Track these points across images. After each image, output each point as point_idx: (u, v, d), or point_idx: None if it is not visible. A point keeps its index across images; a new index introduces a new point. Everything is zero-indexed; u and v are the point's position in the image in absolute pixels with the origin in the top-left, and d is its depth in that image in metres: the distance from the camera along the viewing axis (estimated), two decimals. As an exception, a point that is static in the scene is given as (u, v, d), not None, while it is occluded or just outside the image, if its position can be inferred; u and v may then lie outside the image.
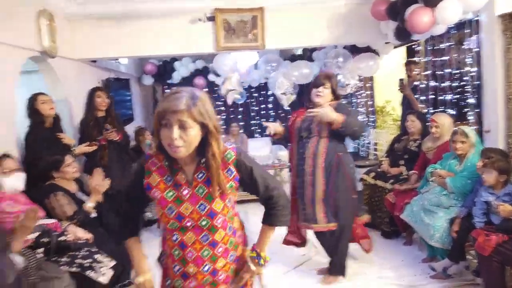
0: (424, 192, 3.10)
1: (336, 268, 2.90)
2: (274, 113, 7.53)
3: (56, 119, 3.24)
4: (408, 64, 4.39)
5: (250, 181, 1.43)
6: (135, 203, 1.48)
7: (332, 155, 2.75)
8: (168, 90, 7.11)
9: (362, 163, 5.32)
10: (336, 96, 2.85)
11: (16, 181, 2.36)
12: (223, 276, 1.46)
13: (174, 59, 6.81)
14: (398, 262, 3.18)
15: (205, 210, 1.38)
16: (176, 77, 6.89)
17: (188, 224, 1.39)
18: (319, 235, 2.93)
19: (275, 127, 2.92)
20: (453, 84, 3.74)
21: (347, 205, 2.79)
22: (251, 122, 7.65)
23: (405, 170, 3.72)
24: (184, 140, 1.26)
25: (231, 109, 7.49)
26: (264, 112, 7.61)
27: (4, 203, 2.25)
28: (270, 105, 7.64)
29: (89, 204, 2.71)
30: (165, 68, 6.88)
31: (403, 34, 3.63)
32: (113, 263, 2.47)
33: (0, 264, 1.79)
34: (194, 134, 1.27)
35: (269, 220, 1.50)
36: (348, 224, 2.84)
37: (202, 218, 1.38)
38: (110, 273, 2.43)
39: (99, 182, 2.78)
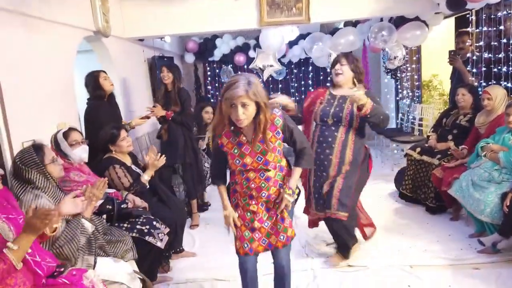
0: (474, 167, 3.04)
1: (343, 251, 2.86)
2: (314, 90, 7.48)
3: (111, 95, 3.42)
4: (460, 35, 4.19)
5: (290, 138, 2.03)
6: (220, 158, 2.07)
7: (359, 147, 2.66)
8: (209, 68, 7.44)
9: (406, 139, 5.21)
10: (359, 79, 2.69)
11: (82, 152, 2.54)
12: (273, 197, 2.07)
13: (215, 36, 6.87)
14: (445, 236, 3.17)
15: (261, 160, 1.99)
16: (217, 54, 6.97)
17: (250, 168, 1.99)
18: (331, 221, 2.74)
19: (285, 100, 2.62)
20: (510, 56, 3.54)
21: (359, 192, 2.80)
22: (291, 98, 7.62)
23: (453, 146, 3.63)
24: (246, 115, 1.82)
25: (271, 86, 7.51)
26: (304, 88, 7.56)
27: (72, 173, 2.45)
28: (309, 82, 7.57)
29: (145, 177, 2.88)
30: (206, 45, 6.97)
31: (457, 3, 3.47)
32: (168, 230, 2.64)
33: (73, 228, 1.99)
34: (252, 109, 1.83)
35: (298, 164, 2.10)
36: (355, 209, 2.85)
37: (260, 166, 1.99)
38: (166, 238, 2.60)
39: (154, 158, 2.94)
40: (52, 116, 2.81)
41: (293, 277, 2.71)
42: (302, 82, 7.62)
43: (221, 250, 3.24)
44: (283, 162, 2.11)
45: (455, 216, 3.50)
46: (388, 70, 5.73)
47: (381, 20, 5.17)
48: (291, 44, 6.69)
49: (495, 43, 3.68)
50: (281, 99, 2.59)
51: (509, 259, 2.73)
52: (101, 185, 2.16)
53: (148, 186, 2.92)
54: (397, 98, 6.46)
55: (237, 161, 1.99)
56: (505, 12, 3.52)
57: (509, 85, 3.53)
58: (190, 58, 7.14)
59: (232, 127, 1.93)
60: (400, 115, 6.35)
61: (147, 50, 5.16)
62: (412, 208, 3.85)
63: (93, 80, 3.24)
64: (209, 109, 4.47)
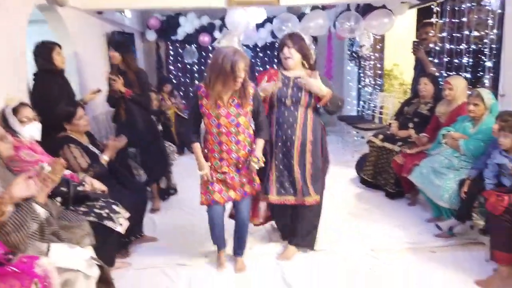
0: (434, 154, 3.13)
1: (294, 240, 2.81)
2: (263, 71, 7.43)
3: (62, 71, 3.16)
4: (424, 26, 4.28)
5: (258, 109, 2.39)
6: (197, 117, 2.39)
7: (317, 126, 2.61)
8: (172, 47, 7.16)
9: (367, 126, 5.33)
10: (308, 60, 2.58)
11: (33, 130, 2.34)
12: (242, 159, 2.42)
13: (179, 14, 6.62)
14: (404, 221, 3.27)
15: (234, 122, 2.34)
16: (181, 33, 6.73)
17: (224, 130, 2.33)
18: (301, 208, 2.68)
19: (271, 87, 2.53)
20: (471, 47, 3.66)
21: (324, 176, 2.78)
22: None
23: (414, 133, 3.73)
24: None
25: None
26: (270, 73, 7.50)
27: (22, 152, 2.25)
28: (275, 66, 7.52)
29: (105, 157, 2.72)
30: (168, 23, 6.71)
31: (423, -7, 3.52)
32: (128, 214, 2.52)
33: (24, 214, 1.82)
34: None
35: (260, 135, 2.45)
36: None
37: (232, 126, 2.34)
38: (126, 223, 2.48)
39: (114, 138, 2.79)
40: (0, 89, 2.56)
41: (258, 262, 2.72)
42: (267, 66, 7.55)
43: (183, 234, 3.16)
44: (251, 130, 2.46)
45: (412, 201, 3.62)
46: (353, 58, 5.79)
47: (348, 6, 5.18)
48: (258, 27, 6.57)
49: (458, 35, 3.79)
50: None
51: (464, 242, 2.86)
52: (58, 167, 1.99)
53: (107, 168, 2.77)
54: (359, 86, 6.57)
55: (213, 121, 2.33)
56: (469, 4, 3.62)
57: (469, 76, 3.65)
58: (151, 35, 6.84)
59: (213, 92, 2.28)
60: (361, 102, 6.47)
61: (105, 25, 4.86)
62: (373, 193, 3.95)
63: (45, 52, 2.98)
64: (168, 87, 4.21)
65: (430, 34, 4.14)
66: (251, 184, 2.50)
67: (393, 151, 3.75)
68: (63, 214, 2.17)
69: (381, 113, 5.72)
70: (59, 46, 3.10)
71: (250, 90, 2.34)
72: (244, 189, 2.48)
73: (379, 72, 6.05)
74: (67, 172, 2.49)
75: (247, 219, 2.62)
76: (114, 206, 2.44)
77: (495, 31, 3.20)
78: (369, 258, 2.74)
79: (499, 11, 3.12)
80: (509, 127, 2.44)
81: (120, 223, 2.41)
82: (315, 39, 6.37)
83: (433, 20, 4.17)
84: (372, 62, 6.03)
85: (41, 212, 1.89)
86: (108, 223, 2.35)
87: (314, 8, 5.81)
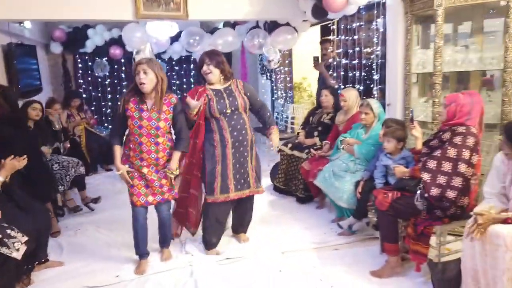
0: (334, 159, 3.42)
1: (245, 228, 3.25)
2: (190, 90, 7.48)
3: None
4: (323, 42, 4.68)
5: (177, 119, 2.69)
6: (122, 121, 2.65)
7: (251, 127, 2.98)
8: (80, 60, 6.83)
9: (281, 136, 5.58)
10: (226, 73, 2.89)
11: None
12: (161, 161, 2.70)
13: (87, 26, 6.35)
14: (311, 223, 3.50)
15: (154, 125, 2.61)
16: (90, 45, 6.45)
17: (144, 131, 2.60)
18: (248, 200, 3.08)
19: (198, 104, 2.75)
20: (362, 62, 4.09)
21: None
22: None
23: (318, 141, 4.03)
24: (146, 80, 2.54)
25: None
26: (186, 86, 7.52)
27: None
28: (191, 79, 7.56)
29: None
30: (75, 35, 6.39)
31: (320, 12, 3.85)
32: (25, 238, 2.35)
33: None
34: (151, 76, 2.56)
35: (177, 147, 2.72)
36: None
37: (152, 129, 2.61)
38: (24, 248, 2.31)
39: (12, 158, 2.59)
40: None
41: (170, 274, 2.72)
42: (184, 80, 7.56)
43: (92, 255, 3.04)
44: (171, 135, 2.75)
45: (320, 204, 3.90)
46: (263, 72, 6.08)
47: (257, 23, 5.45)
48: (172, 40, 6.56)
49: (351, 51, 4.21)
50: (192, 103, 2.75)
51: (362, 238, 3.15)
52: None
53: (0, 191, 2.56)
54: (273, 98, 6.89)
55: (136, 122, 2.59)
56: (358, 24, 4.05)
57: (362, 87, 4.06)
58: (57, 48, 6.45)
59: (139, 97, 2.60)
60: (275, 114, 6.78)
61: (1, 36, 4.49)
62: (285, 200, 4.16)
63: None
64: (36, 105, 3.71)
65: (329, 50, 4.53)
66: (170, 192, 2.78)
67: (301, 158, 4.00)
68: None
69: (293, 123, 6.06)
70: None
71: (172, 100, 2.67)
72: (163, 196, 2.76)
73: (289, 85, 6.42)
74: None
75: (168, 219, 2.92)
76: (8, 231, 2.27)
77: (379, 47, 3.62)
78: (279, 260, 2.88)
79: (382, 29, 3.54)
80: (391, 132, 2.78)
81: (17, 248, 2.26)
82: (228, 54, 6.55)
83: (331, 37, 4.58)
84: (282, 76, 6.37)
85: None
86: (2, 249, 2.19)
87: (226, 24, 6.00)
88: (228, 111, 2.84)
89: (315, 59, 4.47)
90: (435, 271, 2.25)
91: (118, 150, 2.69)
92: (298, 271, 2.72)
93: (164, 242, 2.97)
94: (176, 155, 2.71)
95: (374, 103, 3.24)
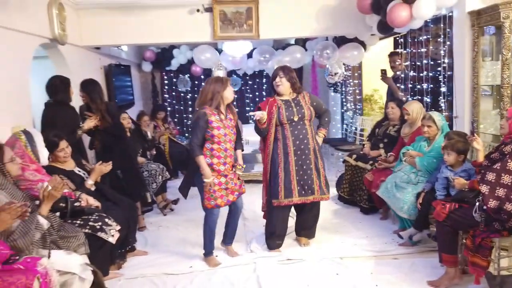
0: (397, 171, 3.48)
1: (313, 233, 3.45)
2: (263, 101, 7.86)
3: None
4: (392, 55, 4.73)
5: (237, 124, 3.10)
6: (203, 134, 2.90)
7: (314, 137, 3.23)
8: (166, 77, 7.61)
9: (348, 148, 5.68)
10: (295, 87, 3.19)
11: (46, 154, 2.70)
12: (229, 165, 3.01)
13: (173, 47, 7.09)
14: (373, 233, 3.57)
15: (233, 131, 3.01)
16: (174, 64, 7.19)
17: (228, 138, 2.96)
18: (306, 207, 3.29)
19: (264, 115, 3.07)
20: (429, 74, 4.08)
21: None
22: (246, 108, 7.98)
23: (383, 153, 4.09)
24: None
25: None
26: (258, 99, 7.94)
27: (27, 172, 2.59)
28: (264, 93, 7.95)
29: (89, 182, 3.03)
30: (163, 55, 7.17)
31: (386, 28, 3.96)
32: (119, 227, 2.82)
33: (28, 223, 2.15)
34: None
35: (239, 146, 3.16)
36: None
37: (232, 135, 3.00)
38: (117, 235, 2.78)
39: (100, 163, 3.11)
40: (7, 119, 2.92)
41: (235, 269, 3.02)
42: (257, 93, 7.99)
43: (171, 248, 3.46)
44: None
45: (384, 215, 3.94)
46: (329, 85, 6.23)
47: (327, 38, 5.66)
48: (248, 57, 7.04)
49: (419, 63, 4.21)
50: (258, 114, 3.08)
51: (423, 250, 3.15)
52: (58, 185, 2.32)
53: (93, 189, 3.03)
54: (342, 110, 6.98)
55: (222, 131, 2.90)
56: (425, 37, 4.06)
57: (428, 100, 4.04)
58: (147, 67, 7.30)
59: (216, 110, 2.93)
60: (344, 126, 6.86)
61: (103, 58, 5.29)
62: (349, 209, 4.26)
63: (64, 86, 3.36)
64: (125, 115, 4.29)
65: (397, 63, 4.57)
66: (241, 187, 3.15)
67: (366, 170, 4.09)
68: (61, 226, 2.49)
69: (361, 135, 6.10)
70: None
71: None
72: (239, 191, 3.12)
73: (359, 97, 6.47)
74: (66, 190, 2.82)
75: (242, 207, 3.25)
76: (106, 219, 2.75)
77: (446, 60, 3.61)
78: (337, 265, 3.03)
79: (449, 42, 3.54)
80: (451, 145, 2.80)
81: (112, 234, 2.72)
82: (300, 68, 6.84)
83: (399, 50, 4.62)
84: (351, 88, 6.46)
85: (44, 223, 2.21)
86: (101, 234, 2.66)
87: (297, 40, 6.31)
88: (295, 118, 3.12)
89: (383, 71, 4.54)
90: (493, 284, 2.25)
91: (203, 160, 2.89)
92: (355, 276, 2.84)
93: (232, 238, 3.28)
94: (239, 153, 3.13)
95: (436, 116, 3.25)
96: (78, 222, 2.65)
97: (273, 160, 3.18)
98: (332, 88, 6.39)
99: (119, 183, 3.60)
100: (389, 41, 5.62)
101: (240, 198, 3.19)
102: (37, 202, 2.35)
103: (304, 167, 3.14)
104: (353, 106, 6.52)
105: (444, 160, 2.87)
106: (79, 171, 3.10)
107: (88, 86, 3.51)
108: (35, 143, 2.65)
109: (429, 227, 3.12)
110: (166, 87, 7.85)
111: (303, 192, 3.15)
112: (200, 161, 2.88)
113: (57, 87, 3.36)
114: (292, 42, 6.52)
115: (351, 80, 6.25)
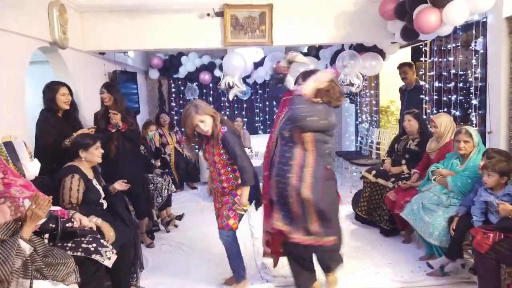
0: (424, 191, 3.14)
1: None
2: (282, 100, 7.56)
3: (69, 110, 3.28)
4: (400, 66, 4.45)
5: (231, 153, 2.63)
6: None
7: None
8: (174, 84, 7.38)
9: (364, 162, 5.35)
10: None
11: (35, 167, 2.43)
12: (227, 190, 2.74)
13: (181, 53, 6.86)
14: (397, 259, 3.23)
15: (225, 157, 2.68)
16: (182, 71, 6.94)
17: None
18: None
19: (302, 59, 2.99)
20: (459, 85, 3.76)
21: None
22: (256, 118, 7.70)
23: (406, 169, 3.76)
24: (206, 126, 2.63)
25: (236, 105, 7.55)
26: (268, 109, 7.65)
27: (13, 189, 2.30)
28: (274, 102, 7.66)
29: (115, 186, 3.03)
30: (171, 62, 6.94)
31: (410, 34, 3.67)
32: (115, 250, 2.52)
33: (8, 249, 1.86)
34: (209, 121, 2.62)
35: (241, 182, 2.70)
36: None
37: (225, 161, 2.70)
38: (114, 257, 2.48)
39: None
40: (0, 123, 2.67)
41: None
42: (267, 103, 7.71)
43: (173, 274, 3.15)
44: (230, 167, 2.73)
45: (407, 238, 3.59)
46: (345, 95, 5.92)
47: (342, 46, 5.37)
48: (256, 65, 6.78)
49: (445, 73, 3.89)
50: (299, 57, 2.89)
51: (456, 281, 2.81)
52: (44, 203, 2.04)
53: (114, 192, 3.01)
54: (357, 122, 6.66)
55: (210, 157, 2.72)
56: (454, 45, 3.75)
57: (458, 113, 3.72)
58: (154, 74, 7.06)
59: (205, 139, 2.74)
60: (359, 138, 6.53)
61: (108, 64, 5.05)
62: (367, 230, 3.92)
63: (50, 93, 3.16)
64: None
65: (408, 74, 4.28)
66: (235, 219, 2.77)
67: (387, 187, 3.76)
68: (49, 251, 2.19)
69: (378, 148, 5.77)
70: (67, 87, 3.24)
71: (219, 135, 2.63)
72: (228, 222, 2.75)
73: (375, 108, 6.15)
74: (57, 208, 2.53)
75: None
76: (102, 241, 2.46)
77: (479, 70, 3.30)
78: (359, 297, 2.70)
79: (482, 51, 3.23)
80: (492, 165, 2.47)
81: (108, 256, 2.42)
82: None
83: (422, 59, 4.31)
84: (368, 99, 6.15)
85: (26, 248, 1.92)
86: (96, 257, 2.36)
87: (310, 48, 6.03)
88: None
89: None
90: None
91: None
92: (380, 311, 2.51)
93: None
94: (244, 189, 2.68)
95: (473, 130, 2.92)
96: (70, 245, 2.36)
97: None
98: (348, 98, 6.08)
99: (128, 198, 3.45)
100: (408, 50, 5.31)
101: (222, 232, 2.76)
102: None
103: None
104: (369, 118, 6.20)
105: (483, 182, 2.54)
106: (96, 185, 2.88)
107: (114, 87, 3.65)
108: (18, 156, 2.36)
109: (463, 256, 2.77)
110: (174, 95, 7.60)
111: None
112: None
113: (44, 93, 3.18)
114: (305, 50, 6.25)
115: (367, 91, 5.94)
